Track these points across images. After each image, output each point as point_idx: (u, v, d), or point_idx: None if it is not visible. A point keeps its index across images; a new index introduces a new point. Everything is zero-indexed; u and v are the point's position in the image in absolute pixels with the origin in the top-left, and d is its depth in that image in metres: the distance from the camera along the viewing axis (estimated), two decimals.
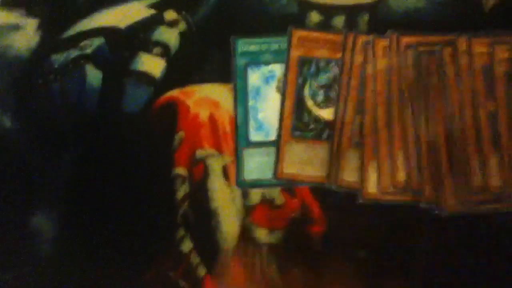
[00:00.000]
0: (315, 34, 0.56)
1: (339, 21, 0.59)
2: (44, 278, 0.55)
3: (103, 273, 0.54)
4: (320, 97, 0.55)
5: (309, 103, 0.55)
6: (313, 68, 0.55)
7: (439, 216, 0.52)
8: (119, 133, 0.57)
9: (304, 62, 0.54)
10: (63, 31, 0.60)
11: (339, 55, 0.55)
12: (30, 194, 0.56)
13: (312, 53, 0.55)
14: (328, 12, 0.59)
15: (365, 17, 0.58)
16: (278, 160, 0.54)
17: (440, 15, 0.58)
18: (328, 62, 0.55)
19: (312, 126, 0.55)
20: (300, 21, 0.58)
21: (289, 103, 0.54)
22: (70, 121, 0.58)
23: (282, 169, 0.54)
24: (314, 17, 0.59)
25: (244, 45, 0.56)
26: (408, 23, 0.57)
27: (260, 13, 0.59)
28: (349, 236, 0.53)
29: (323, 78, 0.54)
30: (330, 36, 0.56)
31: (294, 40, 0.54)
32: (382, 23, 0.57)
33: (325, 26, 0.58)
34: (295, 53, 0.54)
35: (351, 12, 0.58)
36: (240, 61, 0.56)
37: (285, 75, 0.54)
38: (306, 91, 0.54)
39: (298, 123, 0.54)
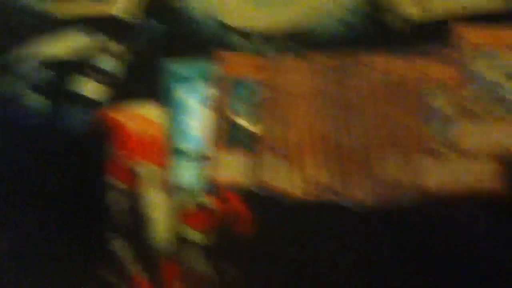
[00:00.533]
0: (240, 56, 0.61)
1: (259, 43, 0.64)
2: None
3: (46, 280, 0.55)
4: (247, 113, 0.59)
5: (237, 118, 0.59)
6: (239, 88, 0.59)
7: (359, 212, 0.54)
8: (62, 149, 0.60)
9: (231, 81, 0.59)
10: (5, 57, 0.64)
11: (262, 75, 0.61)
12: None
13: (238, 74, 0.60)
14: (250, 35, 0.64)
15: (282, 39, 0.64)
16: (209, 168, 0.57)
17: (351, 35, 0.64)
18: (252, 81, 0.60)
19: (240, 138, 0.59)
20: (225, 44, 0.64)
21: (217, 119, 0.58)
22: (13, 141, 0.61)
23: (213, 176, 0.57)
24: (238, 40, 0.64)
25: (173, 66, 0.62)
26: (325, 43, 0.63)
27: (190, 38, 0.65)
28: (277, 235, 0.55)
29: (248, 96, 0.59)
30: (253, 58, 0.61)
31: (221, 62, 0.59)
32: (300, 44, 0.63)
33: (247, 48, 0.64)
34: (222, 73, 0.59)
35: (270, 35, 0.64)
36: (169, 81, 0.61)
37: (213, 94, 0.59)
38: (233, 108, 0.59)
39: (228, 135, 0.58)
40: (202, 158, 0.58)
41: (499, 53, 0.60)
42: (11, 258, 0.55)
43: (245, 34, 0.64)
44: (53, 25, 0.66)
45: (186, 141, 0.59)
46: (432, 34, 0.63)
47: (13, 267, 0.55)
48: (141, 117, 0.61)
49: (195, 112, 0.60)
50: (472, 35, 0.61)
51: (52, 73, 0.64)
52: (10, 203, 0.58)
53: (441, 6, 0.65)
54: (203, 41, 0.64)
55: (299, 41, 0.64)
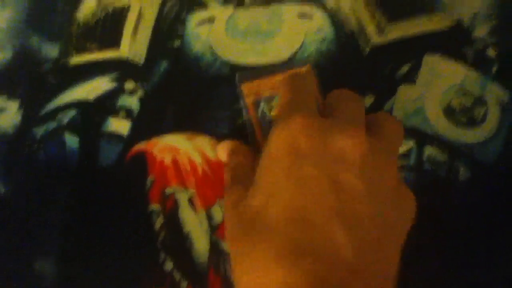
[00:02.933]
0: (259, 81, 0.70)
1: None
2: None
3: None
4: None
5: None
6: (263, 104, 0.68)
7: None
8: (99, 184, 0.70)
9: (257, 103, 0.66)
10: (42, 108, 0.73)
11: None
12: (30, 243, 0.67)
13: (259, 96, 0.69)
14: (238, 67, 0.77)
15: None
16: None
17: (327, 63, 0.77)
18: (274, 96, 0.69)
19: None
20: (232, 79, 0.76)
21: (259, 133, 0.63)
22: (55, 178, 0.70)
23: None
24: (229, 71, 0.77)
25: None
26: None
27: (199, 77, 0.76)
28: None
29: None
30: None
31: (245, 91, 0.66)
32: None
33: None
34: (249, 100, 0.66)
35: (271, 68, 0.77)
36: None
37: (247, 117, 0.64)
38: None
39: None
40: None
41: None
42: None
43: (236, 67, 0.76)
44: (75, 73, 0.75)
45: None
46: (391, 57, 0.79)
47: None
48: (169, 146, 0.72)
49: None
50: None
51: (83, 115, 0.73)
52: (64, 235, 0.68)
53: (400, 32, 0.81)
54: (202, 74, 0.76)
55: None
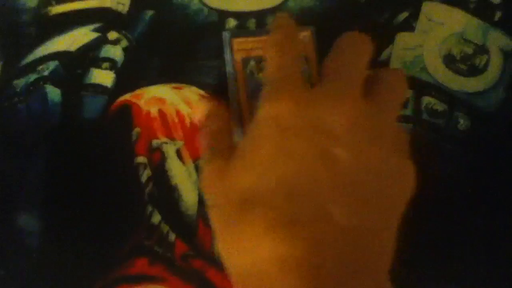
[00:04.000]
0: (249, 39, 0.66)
1: (251, 24, 0.73)
2: (34, 269, 0.63)
3: (88, 252, 0.63)
4: None
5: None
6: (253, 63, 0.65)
7: None
8: (83, 137, 0.68)
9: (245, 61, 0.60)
10: (22, 59, 0.70)
11: None
12: (11, 197, 0.65)
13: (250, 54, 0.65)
14: (242, 17, 0.73)
15: (259, 16, 0.73)
16: None
17: (321, 7, 0.74)
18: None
19: None
20: (220, 27, 0.72)
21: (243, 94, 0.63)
22: (37, 132, 0.67)
23: None
24: (231, 22, 0.73)
25: None
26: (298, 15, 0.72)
27: (186, 25, 0.73)
28: None
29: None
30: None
31: (236, 46, 0.60)
32: None
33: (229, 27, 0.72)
34: (238, 56, 0.60)
35: (260, 15, 0.73)
36: None
37: (232, 73, 0.59)
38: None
39: None
40: None
41: None
42: (63, 244, 0.63)
43: (224, 14, 0.73)
44: (56, 23, 0.71)
45: None
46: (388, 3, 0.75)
47: (65, 253, 0.63)
48: (155, 98, 0.69)
49: None
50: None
51: (65, 67, 0.70)
52: (47, 189, 0.66)
53: None
54: (189, 22, 0.72)
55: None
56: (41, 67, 0.70)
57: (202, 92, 0.70)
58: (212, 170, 0.47)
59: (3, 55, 0.70)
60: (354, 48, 0.50)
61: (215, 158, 0.48)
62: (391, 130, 0.47)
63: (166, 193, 0.65)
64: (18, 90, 0.69)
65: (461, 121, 0.72)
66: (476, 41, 0.75)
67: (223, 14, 0.73)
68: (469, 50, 0.75)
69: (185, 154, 0.67)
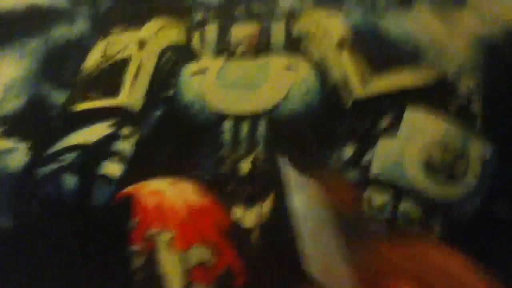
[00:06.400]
0: None
1: (245, 127, 0.82)
2: None
3: None
4: None
5: None
6: None
7: None
8: (90, 221, 0.78)
9: None
10: (47, 149, 0.82)
11: None
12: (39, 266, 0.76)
13: None
14: (237, 119, 0.83)
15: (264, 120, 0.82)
16: None
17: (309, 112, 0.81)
18: None
19: None
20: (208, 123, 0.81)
21: None
22: (53, 213, 0.79)
23: None
24: (227, 124, 0.82)
25: None
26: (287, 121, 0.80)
27: (188, 124, 0.83)
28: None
29: None
30: None
31: None
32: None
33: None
34: None
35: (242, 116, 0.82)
36: None
37: None
38: None
39: None
40: None
41: None
42: None
43: (222, 116, 0.82)
44: (79, 118, 0.84)
45: None
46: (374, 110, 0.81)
47: None
48: (155, 191, 0.78)
49: None
50: None
51: (81, 158, 0.82)
52: (50, 266, 0.77)
53: (383, 84, 0.83)
54: (191, 121, 0.82)
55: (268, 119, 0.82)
56: (62, 157, 0.82)
57: (197, 186, 0.79)
58: None
59: (32, 145, 0.83)
60: None
61: None
62: None
63: (153, 281, 0.74)
64: (38, 177, 0.81)
65: (436, 228, 0.76)
66: (456, 149, 0.79)
67: (222, 116, 0.83)
68: (449, 157, 0.79)
69: (176, 244, 0.76)
